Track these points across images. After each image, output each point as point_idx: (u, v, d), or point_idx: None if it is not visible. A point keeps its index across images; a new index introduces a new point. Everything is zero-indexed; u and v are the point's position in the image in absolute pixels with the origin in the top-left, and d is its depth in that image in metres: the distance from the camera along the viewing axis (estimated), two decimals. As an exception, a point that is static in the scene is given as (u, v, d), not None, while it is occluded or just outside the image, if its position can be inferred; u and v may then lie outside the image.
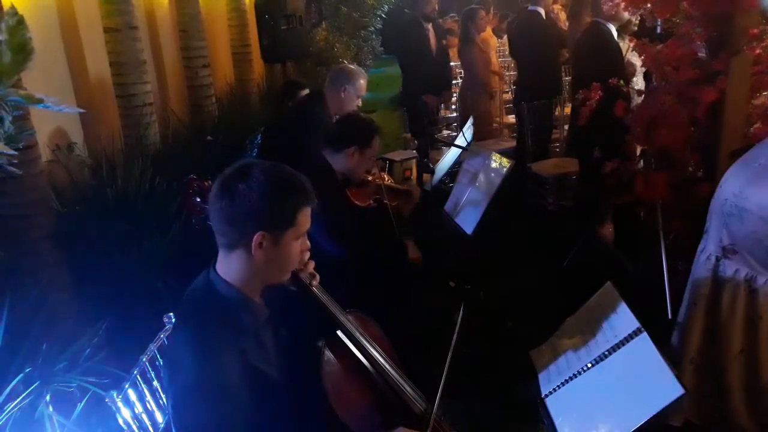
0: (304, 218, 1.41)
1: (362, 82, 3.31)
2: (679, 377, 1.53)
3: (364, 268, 2.53)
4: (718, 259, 2.08)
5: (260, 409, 1.33)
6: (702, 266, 2.14)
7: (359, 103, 3.35)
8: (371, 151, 2.63)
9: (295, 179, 1.40)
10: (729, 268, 2.05)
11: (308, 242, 1.47)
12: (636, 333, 1.70)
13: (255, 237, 1.34)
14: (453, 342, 1.63)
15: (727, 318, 2.06)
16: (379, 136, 2.68)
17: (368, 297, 1.86)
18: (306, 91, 3.98)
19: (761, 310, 1.99)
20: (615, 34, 3.79)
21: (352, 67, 3.46)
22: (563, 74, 5.67)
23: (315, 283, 1.54)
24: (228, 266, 1.39)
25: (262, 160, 1.43)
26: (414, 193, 3.13)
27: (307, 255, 1.51)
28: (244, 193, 1.33)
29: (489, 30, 6.25)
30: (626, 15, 3.73)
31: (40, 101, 0.82)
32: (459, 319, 1.68)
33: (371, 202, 2.82)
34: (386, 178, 3.10)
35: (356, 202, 2.74)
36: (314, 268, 1.55)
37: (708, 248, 2.13)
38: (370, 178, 2.87)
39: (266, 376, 1.38)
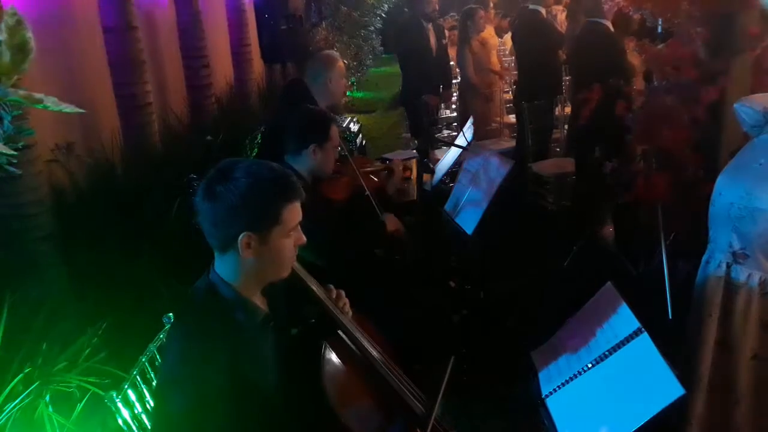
0: (291, 214, 1.37)
1: (340, 63, 3.17)
2: (679, 377, 1.53)
3: (363, 268, 2.52)
4: (729, 266, 2.06)
5: (237, 421, 1.29)
6: (712, 275, 2.11)
7: (347, 82, 3.20)
8: (331, 142, 2.44)
9: (276, 176, 1.36)
10: (741, 273, 2.03)
11: (304, 237, 1.43)
12: (636, 333, 1.70)
13: (241, 238, 1.31)
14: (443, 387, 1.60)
15: (740, 324, 2.04)
16: (335, 124, 2.49)
17: (368, 297, 1.86)
18: None
19: None
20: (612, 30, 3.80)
21: (325, 53, 3.29)
22: (563, 74, 5.67)
23: (346, 309, 1.55)
24: (224, 267, 1.39)
25: (245, 159, 1.41)
26: (395, 167, 2.98)
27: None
28: (224, 195, 1.31)
29: (490, 29, 6.21)
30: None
31: (39, 101, 0.81)
32: (449, 369, 1.65)
33: (350, 191, 2.67)
34: (358, 162, 2.91)
35: (335, 196, 2.61)
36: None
37: (716, 257, 2.10)
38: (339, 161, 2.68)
39: (254, 388, 1.35)
